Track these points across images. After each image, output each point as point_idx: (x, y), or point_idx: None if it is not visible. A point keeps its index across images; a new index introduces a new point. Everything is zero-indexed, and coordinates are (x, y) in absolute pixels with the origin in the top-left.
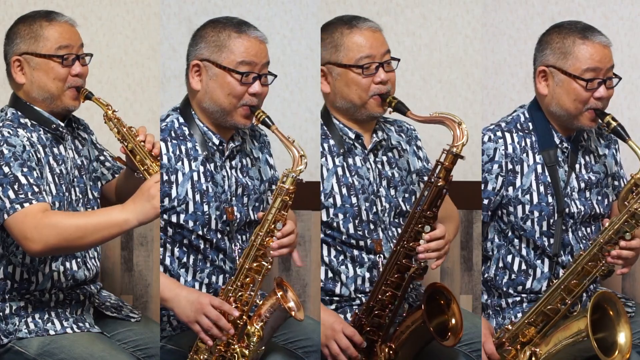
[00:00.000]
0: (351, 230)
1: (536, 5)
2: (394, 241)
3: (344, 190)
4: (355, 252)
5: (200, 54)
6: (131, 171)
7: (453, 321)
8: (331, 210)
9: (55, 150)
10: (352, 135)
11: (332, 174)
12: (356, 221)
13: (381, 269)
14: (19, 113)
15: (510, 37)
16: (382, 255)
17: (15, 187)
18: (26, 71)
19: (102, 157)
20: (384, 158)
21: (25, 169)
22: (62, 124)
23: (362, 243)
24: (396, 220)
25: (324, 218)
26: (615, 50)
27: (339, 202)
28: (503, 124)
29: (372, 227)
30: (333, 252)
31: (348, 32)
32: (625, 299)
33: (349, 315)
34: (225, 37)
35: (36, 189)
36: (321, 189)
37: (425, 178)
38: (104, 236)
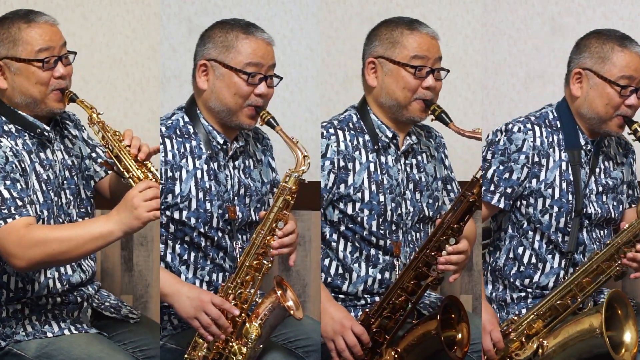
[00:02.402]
0: (374, 228)
1: (536, 5)
2: (412, 245)
3: (373, 187)
4: (372, 252)
5: (207, 54)
6: (119, 176)
7: (460, 336)
8: (357, 205)
9: (42, 155)
10: (389, 134)
11: (364, 169)
12: (380, 220)
13: (397, 272)
14: (3, 118)
15: (510, 37)
16: (399, 258)
17: None
18: (7, 76)
19: (94, 154)
20: (413, 161)
21: (7, 182)
22: (48, 128)
23: (381, 242)
24: (417, 225)
25: (349, 211)
26: None
27: (366, 197)
28: (532, 118)
29: (394, 228)
30: (349, 248)
31: (409, 32)
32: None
33: (352, 314)
34: (233, 38)
35: (19, 203)
36: (350, 181)
37: (448, 186)
38: (89, 249)
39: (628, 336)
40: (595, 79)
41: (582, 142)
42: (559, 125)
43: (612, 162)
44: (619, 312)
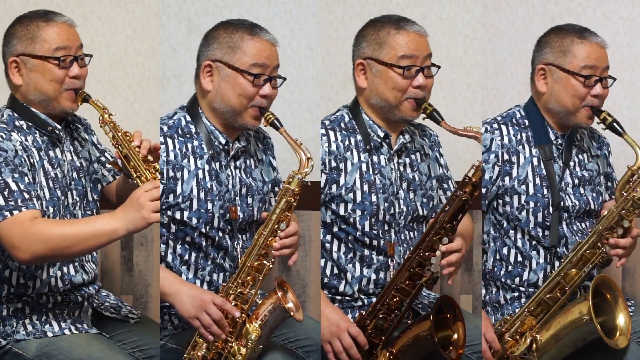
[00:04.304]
0: (366, 229)
1: (536, 5)
2: (406, 245)
3: (365, 187)
4: (366, 252)
5: (212, 55)
6: (126, 177)
7: (455, 336)
8: (349, 205)
9: (51, 153)
10: (381, 134)
11: (356, 169)
12: (373, 220)
13: (392, 272)
14: (15, 115)
15: (510, 37)
16: (393, 258)
17: (5, 193)
18: (23, 72)
19: (103, 159)
20: (407, 160)
21: (16, 175)
22: (59, 127)
23: (374, 243)
24: (411, 224)
25: (341, 212)
26: (615, 50)
27: (358, 198)
28: (499, 118)
29: (387, 228)
30: (342, 249)
31: (395, 32)
32: (625, 298)
33: (349, 315)
34: (238, 38)
35: (26, 196)
36: (342, 182)
37: (445, 185)
38: (92, 245)
39: (621, 319)
40: (558, 73)
41: (552, 137)
42: (527, 124)
43: (587, 155)
44: (608, 296)
